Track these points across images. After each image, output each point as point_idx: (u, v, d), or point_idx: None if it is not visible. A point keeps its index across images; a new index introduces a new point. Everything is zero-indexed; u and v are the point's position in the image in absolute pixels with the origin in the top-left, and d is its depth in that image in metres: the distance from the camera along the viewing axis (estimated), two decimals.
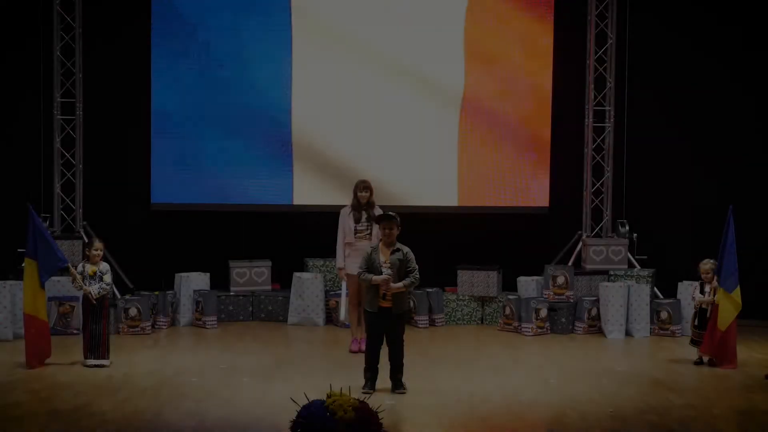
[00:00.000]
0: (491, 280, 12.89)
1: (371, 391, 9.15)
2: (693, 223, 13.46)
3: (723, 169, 13.62)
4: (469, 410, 8.73)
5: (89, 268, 10.22)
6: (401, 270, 9.25)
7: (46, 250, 10.14)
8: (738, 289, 10.50)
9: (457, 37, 13.31)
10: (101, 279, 10.22)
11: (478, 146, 13.40)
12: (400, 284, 9.21)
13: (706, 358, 10.67)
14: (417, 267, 9.33)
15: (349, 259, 11.02)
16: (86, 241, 10.92)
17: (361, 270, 9.33)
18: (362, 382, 9.29)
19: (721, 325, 10.44)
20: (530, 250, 13.63)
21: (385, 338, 9.32)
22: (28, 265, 10.13)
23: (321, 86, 13.24)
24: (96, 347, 10.16)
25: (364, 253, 9.52)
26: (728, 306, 10.46)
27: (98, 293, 10.16)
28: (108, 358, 10.22)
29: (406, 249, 9.35)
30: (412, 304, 12.72)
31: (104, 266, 10.31)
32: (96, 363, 10.12)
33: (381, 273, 9.19)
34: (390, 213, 9.50)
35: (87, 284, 10.16)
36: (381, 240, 9.42)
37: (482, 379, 9.84)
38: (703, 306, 10.70)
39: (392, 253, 9.30)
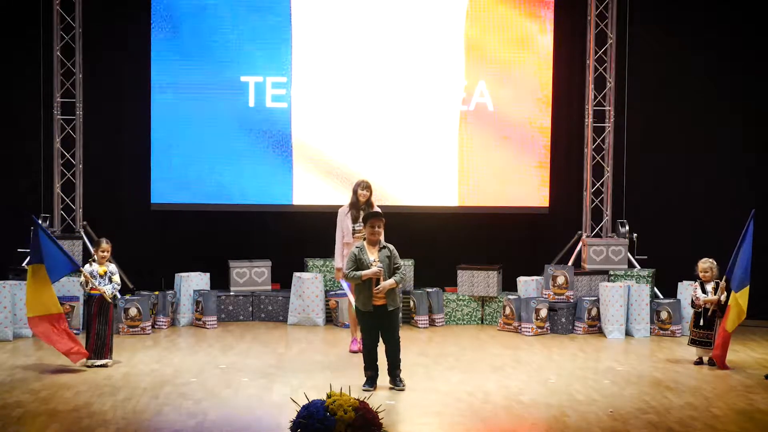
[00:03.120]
0: (491, 280, 12.89)
1: (372, 389, 9.18)
2: (693, 223, 13.46)
3: (723, 169, 13.62)
4: (469, 410, 8.73)
5: (99, 269, 10.24)
6: (389, 267, 9.29)
7: (55, 256, 10.10)
8: (746, 290, 10.42)
9: (457, 37, 13.31)
10: (110, 280, 10.26)
11: (478, 146, 13.40)
12: (391, 281, 9.24)
13: (706, 358, 10.67)
14: (402, 264, 9.43)
15: (344, 260, 11.02)
16: (93, 241, 10.92)
17: (348, 270, 9.33)
18: (361, 381, 9.31)
19: (729, 327, 10.42)
20: (530, 250, 13.65)
21: (381, 336, 9.34)
22: (34, 271, 9.99)
23: (321, 86, 13.24)
24: (101, 347, 10.18)
25: (349, 254, 9.51)
26: (737, 309, 10.40)
27: (112, 293, 10.24)
28: (111, 358, 10.25)
29: (391, 246, 9.40)
30: (411, 303, 12.74)
31: (113, 267, 10.37)
32: (101, 363, 10.14)
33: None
34: (376, 211, 9.51)
35: (99, 284, 10.20)
36: (366, 239, 9.41)
37: (482, 379, 9.84)
38: (707, 306, 10.64)
39: (379, 250, 9.32)
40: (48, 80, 12.92)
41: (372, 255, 9.30)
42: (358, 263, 9.27)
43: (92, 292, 10.18)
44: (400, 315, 9.73)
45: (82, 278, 10.23)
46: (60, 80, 12.96)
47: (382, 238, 9.42)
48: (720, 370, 10.41)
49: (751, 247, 10.41)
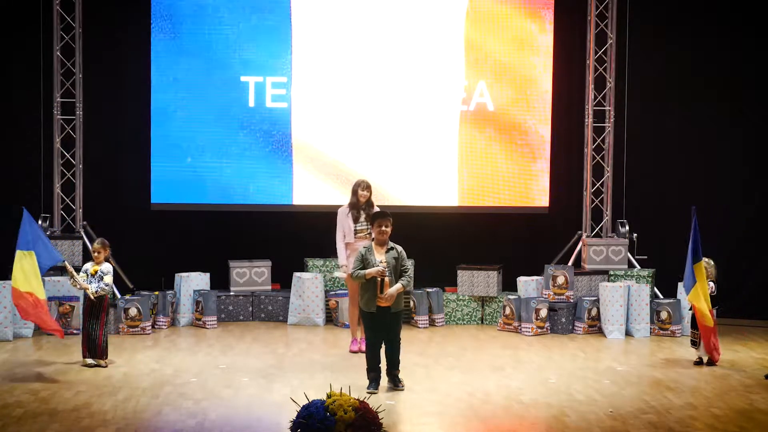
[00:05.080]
0: (491, 280, 12.89)
1: (375, 391, 9.18)
2: None
3: (723, 168, 13.62)
4: (469, 410, 8.73)
5: (91, 268, 10.25)
6: (396, 269, 9.27)
7: (43, 248, 10.16)
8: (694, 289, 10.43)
9: (457, 37, 13.31)
10: (101, 279, 10.24)
11: (478, 146, 13.40)
12: (398, 286, 9.22)
13: (706, 358, 10.68)
14: (410, 267, 9.42)
15: (348, 260, 11.02)
16: (91, 240, 10.95)
17: (354, 269, 9.32)
18: (362, 381, 9.31)
19: (708, 321, 10.42)
20: (530, 250, 13.64)
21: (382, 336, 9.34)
22: (22, 256, 10.00)
23: (321, 86, 13.24)
24: (93, 347, 10.17)
25: (356, 253, 9.50)
26: (701, 303, 10.42)
27: (96, 291, 10.18)
28: (105, 358, 10.23)
29: (399, 248, 9.38)
30: (411, 303, 12.73)
31: (106, 267, 10.32)
32: (94, 363, 10.13)
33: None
34: (384, 211, 9.51)
35: (88, 282, 10.19)
36: (374, 239, 9.40)
37: (482, 379, 9.84)
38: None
39: (387, 251, 9.31)
40: (48, 80, 12.92)
41: (379, 255, 9.29)
42: (365, 263, 9.26)
43: (78, 288, 10.23)
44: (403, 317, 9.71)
45: (68, 274, 10.29)
46: (60, 80, 12.96)
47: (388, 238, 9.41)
48: (717, 367, 10.44)
49: (697, 244, 10.40)
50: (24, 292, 9.96)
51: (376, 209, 11.05)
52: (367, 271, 9.21)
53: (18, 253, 10.07)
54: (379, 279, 9.18)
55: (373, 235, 9.44)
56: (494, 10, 13.32)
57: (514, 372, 10.23)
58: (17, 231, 12.67)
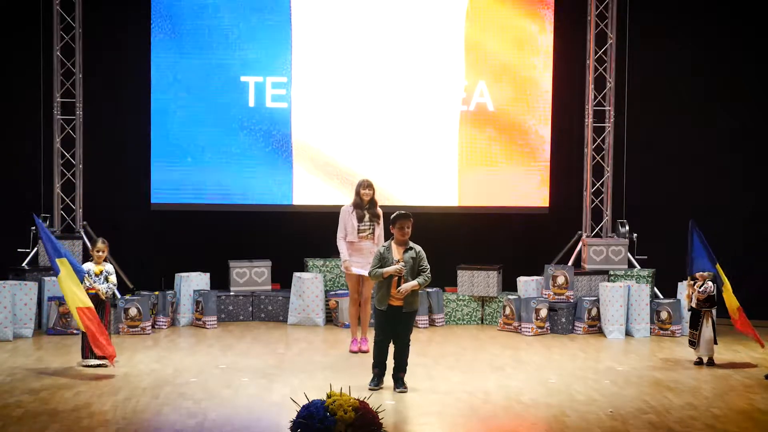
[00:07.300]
0: (491, 280, 12.89)
1: (378, 387, 9.17)
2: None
3: (723, 168, 13.62)
4: (469, 410, 8.73)
5: (95, 268, 10.24)
6: (414, 268, 9.25)
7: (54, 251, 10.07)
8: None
9: (457, 37, 13.31)
10: (106, 279, 10.24)
11: (478, 146, 13.40)
12: (413, 283, 9.19)
13: (705, 358, 10.69)
14: (429, 266, 9.33)
15: (351, 257, 10.99)
16: (92, 240, 10.93)
17: (372, 268, 9.32)
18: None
19: (733, 313, 10.72)
20: (530, 250, 13.65)
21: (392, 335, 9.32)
22: (62, 265, 9.82)
23: (321, 86, 13.25)
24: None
25: (376, 252, 9.49)
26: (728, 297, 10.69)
27: (107, 291, 10.21)
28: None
29: (418, 248, 9.34)
30: None
31: (109, 267, 10.35)
32: (98, 363, 10.12)
33: None
34: (405, 212, 9.43)
35: (98, 283, 10.17)
36: (393, 239, 9.39)
37: (482, 379, 9.84)
38: (687, 299, 10.77)
39: (405, 251, 9.29)
40: (48, 80, 12.92)
41: (397, 255, 9.28)
42: (383, 261, 9.26)
43: (89, 291, 10.12)
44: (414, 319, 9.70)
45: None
46: (60, 80, 12.96)
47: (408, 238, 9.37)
48: (717, 367, 10.45)
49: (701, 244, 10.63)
50: (86, 308, 9.80)
51: (379, 209, 11.08)
52: (385, 269, 9.21)
53: (60, 262, 9.81)
54: (395, 277, 9.18)
55: (394, 235, 9.38)
56: (494, 10, 13.33)
57: (514, 372, 10.23)
58: (17, 231, 12.77)
